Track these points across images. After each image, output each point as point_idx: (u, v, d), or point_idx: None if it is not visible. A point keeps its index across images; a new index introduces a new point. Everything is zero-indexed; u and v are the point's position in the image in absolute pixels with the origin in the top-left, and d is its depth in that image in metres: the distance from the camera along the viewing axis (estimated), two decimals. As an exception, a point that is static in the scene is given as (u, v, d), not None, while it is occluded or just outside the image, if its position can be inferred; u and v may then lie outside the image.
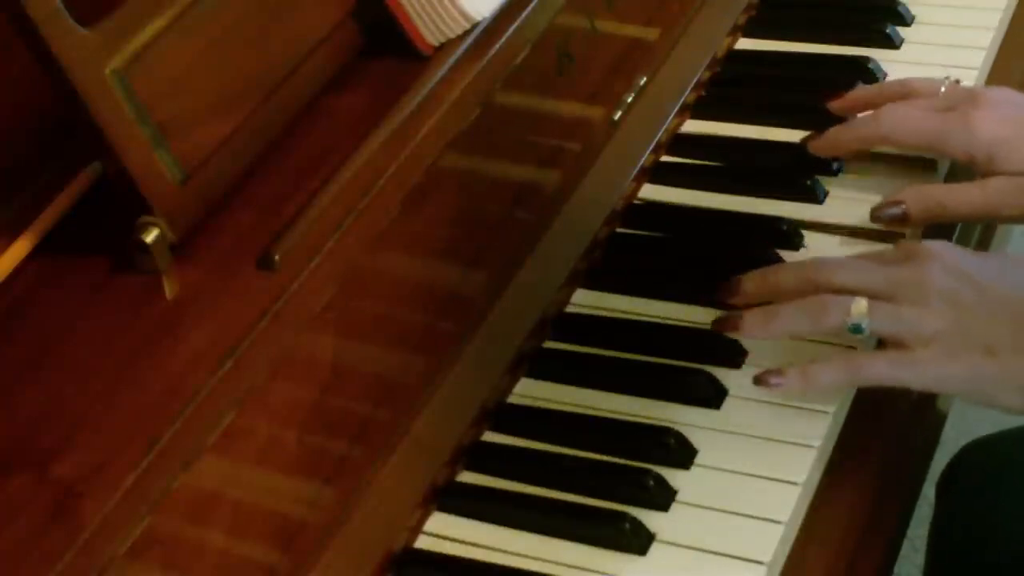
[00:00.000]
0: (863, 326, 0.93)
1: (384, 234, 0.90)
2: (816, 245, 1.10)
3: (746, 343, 1.01)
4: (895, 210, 1.08)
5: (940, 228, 1.11)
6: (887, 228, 1.08)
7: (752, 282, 1.00)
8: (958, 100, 1.09)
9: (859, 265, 0.97)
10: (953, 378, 0.92)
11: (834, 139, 1.14)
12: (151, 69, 0.82)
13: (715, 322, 1.00)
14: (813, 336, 0.98)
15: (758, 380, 0.95)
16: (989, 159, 1.06)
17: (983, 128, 1.07)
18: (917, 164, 1.14)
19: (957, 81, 1.13)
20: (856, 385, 0.96)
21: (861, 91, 1.16)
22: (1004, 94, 1.11)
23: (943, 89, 1.11)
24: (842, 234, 1.10)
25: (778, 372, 0.95)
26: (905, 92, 1.13)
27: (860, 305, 0.93)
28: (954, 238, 1.12)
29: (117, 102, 0.80)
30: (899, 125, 1.10)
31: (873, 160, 1.15)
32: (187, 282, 0.82)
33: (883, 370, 0.93)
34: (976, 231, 1.16)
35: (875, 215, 1.08)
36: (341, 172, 0.88)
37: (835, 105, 1.16)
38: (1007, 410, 0.92)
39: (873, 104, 1.13)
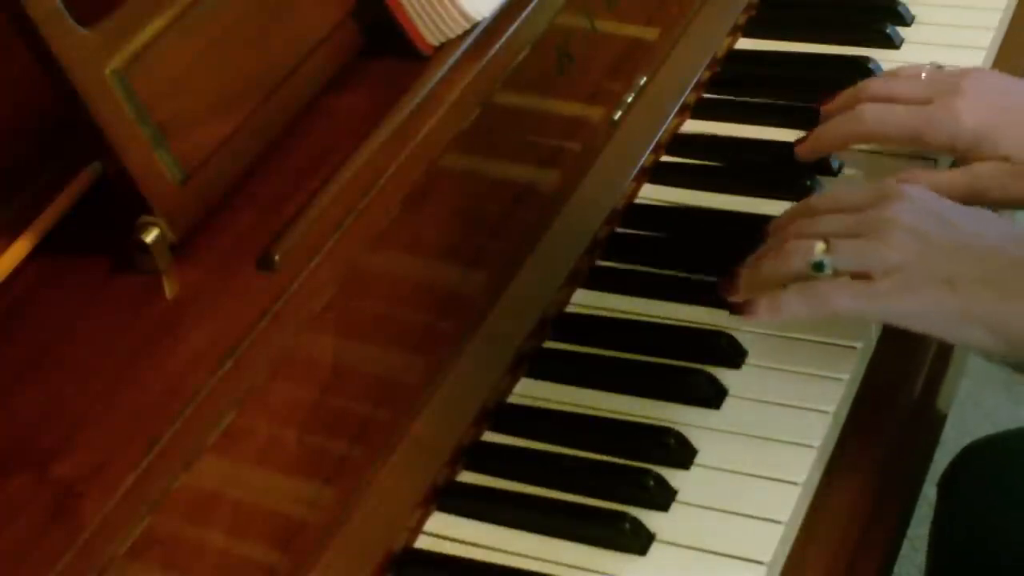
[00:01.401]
0: (824, 263, 0.94)
1: (384, 234, 0.90)
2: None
3: (746, 344, 1.01)
4: None
5: None
6: None
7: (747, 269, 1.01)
8: (940, 89, 1.09)
9: (830, 214, 0.97)
10: (913, 311, 0.92)
11: (817, 140, 1.14)
12: (151, 69, 0.82)
13: (719, 286, 1.01)
14: (785, 279, 0.96)
15: (734, 310, 0.98)
16: (974, 148, 1.07)
17: (966, 117, 1.07)
18: (916, 163, 1.14)
19: (940, 67, 1.13)
20: (821, 315, 0.95)
21: (849, 90, 1.16)
22: (987, 80, 1.11)
23: (923, 75, 1.11)
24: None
25: (748, 303, 0.96)
26: (888, 81, 1.13)
27: (819, 245, 0.94)
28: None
29: (117, 102, 0.80)
30: (881, 121, 1.10)
31: (873, 160, 1.15)
32: (187, 282, 0.82)
33: (845, 300, 0.93)
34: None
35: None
36: (341, 172, 0.88)
37: (827, 108, 1.16)
38: (975, 346, 0.92)
39: (857, 99, 1.13)
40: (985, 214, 0.98)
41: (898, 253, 0.92)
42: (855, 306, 0.93)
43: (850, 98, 1.14)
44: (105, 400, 0.76)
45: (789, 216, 1.01)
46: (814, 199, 1.02)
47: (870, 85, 1.14)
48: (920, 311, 0.92)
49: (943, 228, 0.93)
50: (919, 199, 0.95)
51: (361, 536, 0.88)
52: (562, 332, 1.06)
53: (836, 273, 0.94)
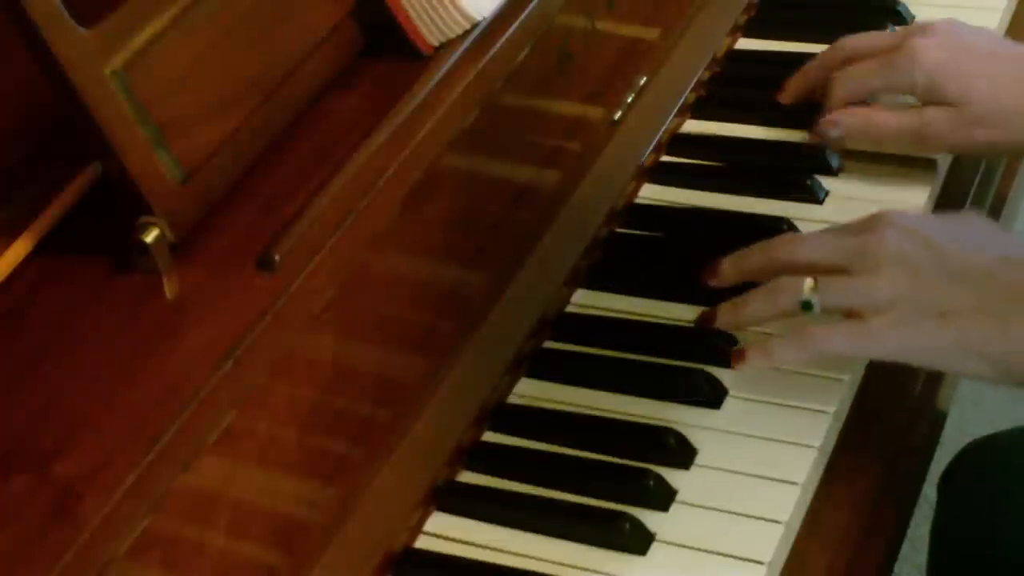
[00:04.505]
0: (812, 302, 0.94)
1: (384, 234, 0.90)
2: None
3: (745, 343, 1.01)
4: (832, 132, 1.12)
5: (957, 187, 1.15)
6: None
7: (728, 264, 1.02)
8: (908, 32, 1.12)
9: (818, 239, 0.97)
10: (910, 346, 0.92)
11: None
12: (151, 69, 0.82)
13: (697, 319, 1.02)
14: (775, 319, 0.98)
15: (731, 363, 0.98)
16: (929, 86, 1.08)
17: (924, 55, 1.09)
18: (918, 163, 1.14)
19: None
20: (817, 358, 0.96)
21: (821, 54, 1.19)
22: (949, 23, 1.13)
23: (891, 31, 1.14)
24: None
25: (737, 352, 0.97)
26: (860, 36, 1.17)
27: (808, 283, 0.94)
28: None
29: (117, 102, 0.80)
30: (849, 80, 1.13)
31: (873, 159, 1.15)
32: (187, 282, 0.82)
33: (838, 342, 0.93)
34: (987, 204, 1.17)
35: (814, 132, 1.13)
36: (341, 172, 0.88)
37: (784, 97, 1.19)
38: (976, 377, 0.92)
39: (830, 61, 1.17)
40: (974, 228, 0.96)
41: (888, 288, 0.91)
42: (849, 347, 0.93)
43: (823, 61, 1.17)
44: (105, 400, 0.76)
45: (774, 242, 1.01)
46: (797, 235, 1.02)
47: (844, 43, 1.17)
48: (916, 347, 0.92)
49: (933, 256, 0.92)
50: (905, 223, 0.94)
51: (361, 536, 0.88)
52: (562, 332, 1.06)
53: (825, 311, 0.94)
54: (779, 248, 0.99)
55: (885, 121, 1.11)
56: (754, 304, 0.98)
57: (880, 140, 1.12)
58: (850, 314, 0.94)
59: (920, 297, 0.91)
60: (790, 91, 1.20)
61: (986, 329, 0.90)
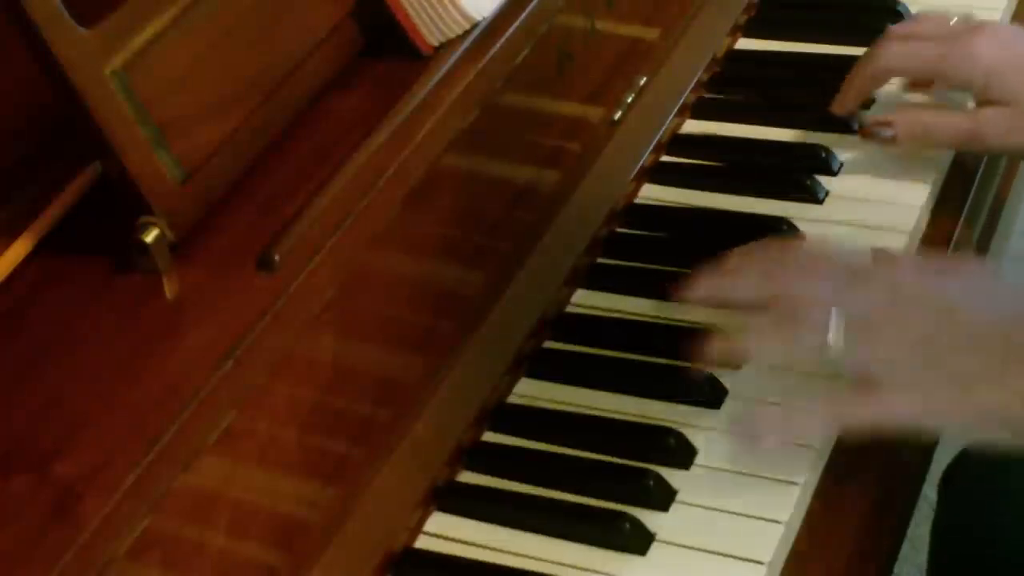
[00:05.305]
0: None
1: (384, 234, 0.90)
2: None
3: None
4: (885, 132, 1.10)
5: (958, 187, 1.14)
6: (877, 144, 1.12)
7: (705, 285, 0.96)
8: (962, 29, 1.11)
9: (823, 278, 0.92)
10: (930, 419, 0.90)
11: (845, 91, 1.15)
12: (151, 69, 0.82)
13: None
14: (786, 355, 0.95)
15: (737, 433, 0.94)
16: (985, 86, 1.08)
17: (981, 53, 1.08)
18: (917, 163, 1.14)
19: (968, 17, 1.14)
20: (839, 432, 0.94)
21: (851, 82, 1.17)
22: (1008, 27, 1.13)
23: (952, 22, 1.12)
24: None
25: (758, 434, 0.92)
26: (912, 22, 1.16)
27: (838, 334, 0.89)
28: (962, 216, 1.13)
29: (117, 102, 0.80)
30: (901, 55, 1.12)
31: (874, 160, 1.15)
32: (187, 282, 0.82)
33: (863, 418, 0.90)
34: (983, 215, 1.17)
35: (865, 133, 1.12)
36: (341, 172, 0.88)
37: (838, 107, 1.17)
38: (999, 442, 0.90)
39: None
40: (978, 282, 0.93)
41: (903, 359, 0.89)
42: (871, 422, 0.90)
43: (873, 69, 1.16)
44: (105, 400, 0.76)
45: (772, 270, 0.95)
46: (795, 265, 0.95)
47: (894, 27, 1.16)
48: (936, 418, 0.90)
49: (945, 322, 0.89)
50: (911, 288, 0.91)
51: (361, 536, 0.88)
52: (562, 332, 1.05)
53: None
54: (778, 281, 0.93)
55: (940, 122, 1.10)
56: (770, 328, 0.92)
57: (935, 141, 1.12)
58: (864, 378, 0.91)
59: (937, 366, 0.89)
60: (844, 104, 1.17)
61: (1006, 397, 0.87)
